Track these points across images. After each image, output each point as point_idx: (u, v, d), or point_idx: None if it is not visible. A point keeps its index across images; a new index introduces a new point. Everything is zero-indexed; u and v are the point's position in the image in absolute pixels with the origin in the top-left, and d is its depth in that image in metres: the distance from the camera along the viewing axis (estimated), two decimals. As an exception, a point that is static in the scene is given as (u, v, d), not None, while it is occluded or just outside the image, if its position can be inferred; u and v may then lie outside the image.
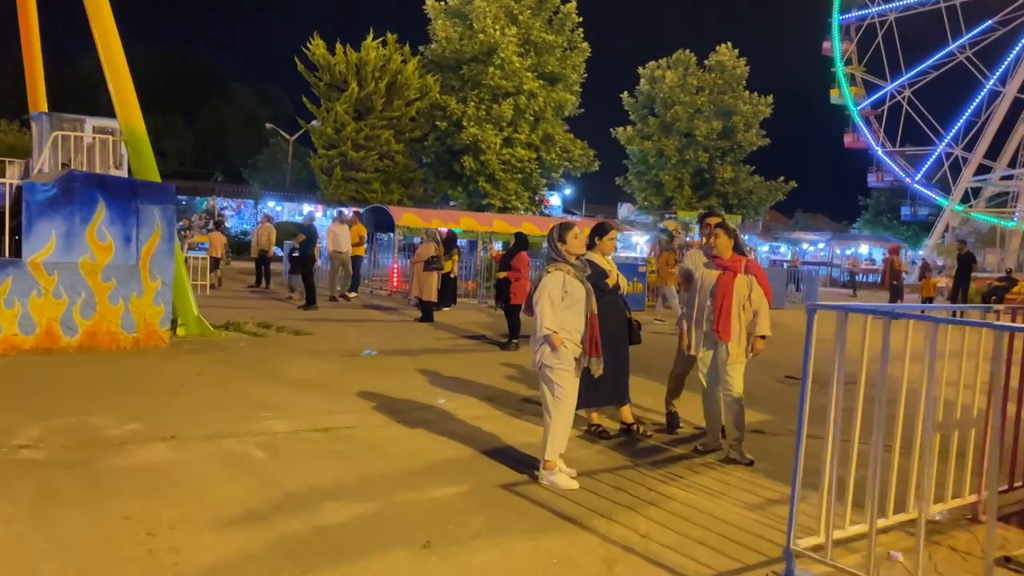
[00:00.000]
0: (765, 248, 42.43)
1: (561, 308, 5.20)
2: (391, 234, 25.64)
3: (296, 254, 18.89)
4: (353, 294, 18.41)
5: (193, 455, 5.46)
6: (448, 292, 15.46)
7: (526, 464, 5.60)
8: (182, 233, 28.20)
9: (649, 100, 37.46)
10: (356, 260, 18.65)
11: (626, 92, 38.04)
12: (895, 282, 20.43)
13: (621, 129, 37.30)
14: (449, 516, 4.51)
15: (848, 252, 51.27)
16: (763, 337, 6.10)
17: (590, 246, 6.38)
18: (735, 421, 6.05)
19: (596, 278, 6.11)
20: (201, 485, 4.85)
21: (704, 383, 6.24)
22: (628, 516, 4.66)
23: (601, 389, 6.25)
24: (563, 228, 5.36)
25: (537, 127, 30.57)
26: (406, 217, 24.41)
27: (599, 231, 6.57)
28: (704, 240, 6.86)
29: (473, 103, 29.52)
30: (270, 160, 53.63)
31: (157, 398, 7.14)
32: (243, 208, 37.71)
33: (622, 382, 6.43)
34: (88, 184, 9.40)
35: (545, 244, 5.49)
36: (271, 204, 40.99)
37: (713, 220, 6.80)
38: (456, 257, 16.50)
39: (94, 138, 13.65)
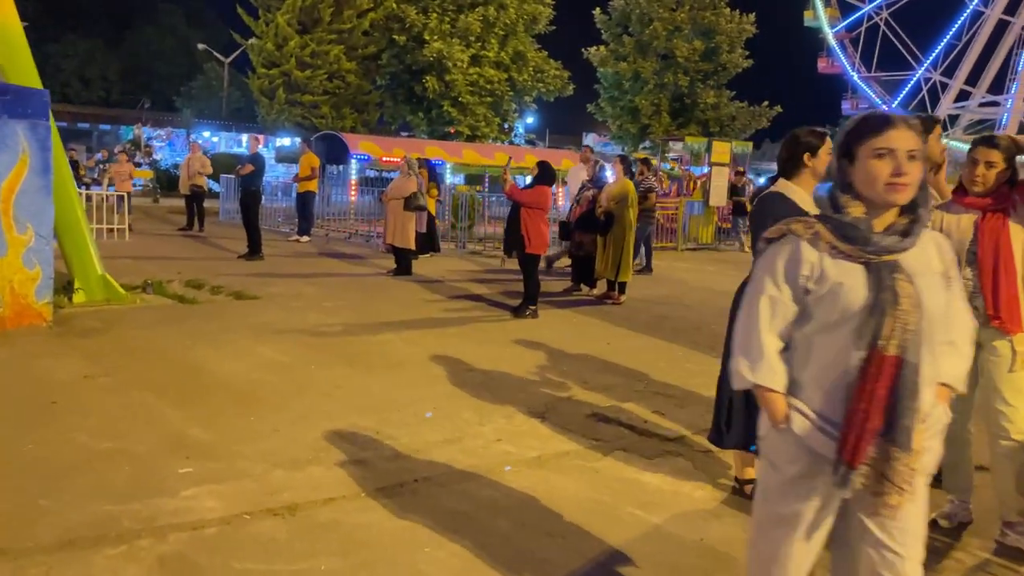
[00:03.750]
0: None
1: (804, 328, 2.20)
2: (343, 166, 22.47)
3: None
4: (306, 238, 15.39)
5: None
6: (428, 236, 12.56)
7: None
8: (102, 166, 24.52)
9: (624, 17, 34.02)
10: (308, 197, 15.57)
11: (598, 8, 34.60)
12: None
13: (594, 49, 33.86)
14: None
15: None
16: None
17: (789, 169, 3.65)
18: (1018, 481, 3.46)
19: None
20: None
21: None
22: None
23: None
24: (801, 143, 2.43)
25: (507, 44, 27.09)
26: (363, 145, 21.23)
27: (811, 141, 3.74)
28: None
29: (436, 14, 25.82)
30: (205, 87, 49.28)
31: (2, 433, 4.25)
32: (174, 138, 33.75)
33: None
34: (-94, 87, 6.21)
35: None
36: (206, 134, 37.06)
37: (933, 123, 4.07)
38: (435, 193, 13.54)
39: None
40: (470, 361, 6.36)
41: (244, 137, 30.54)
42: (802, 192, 3.58)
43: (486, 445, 4.43)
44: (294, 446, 4.29)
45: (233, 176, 15.59)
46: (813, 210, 3.55)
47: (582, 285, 10.44)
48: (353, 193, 19.15)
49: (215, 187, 22.13)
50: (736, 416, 3.62)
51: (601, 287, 10.15)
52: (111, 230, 13.91)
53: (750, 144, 20.92)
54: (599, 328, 8.15)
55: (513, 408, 5.15)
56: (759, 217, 3.53)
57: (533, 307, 8.44)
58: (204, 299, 8.69)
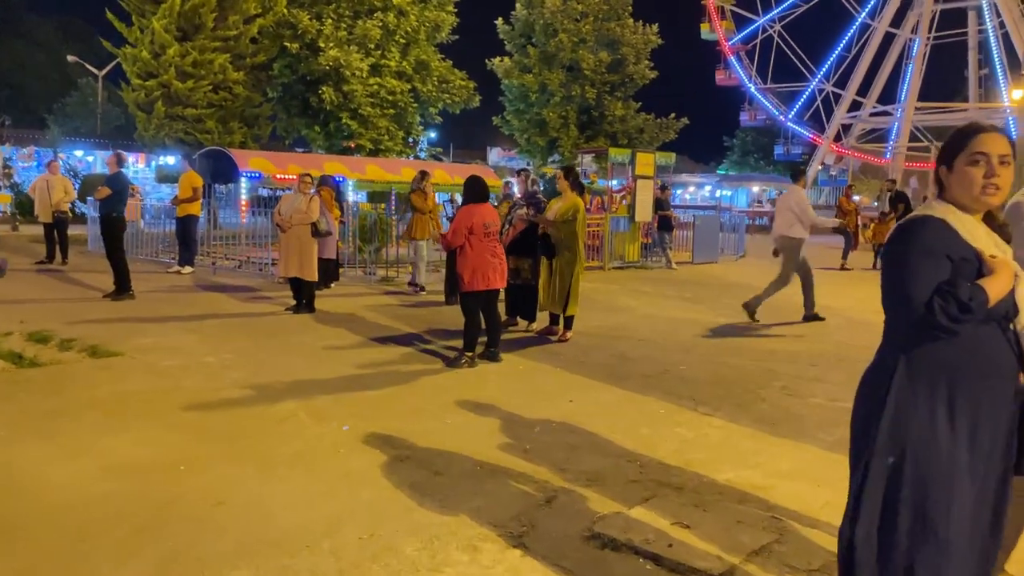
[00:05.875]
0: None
1: None
2: (232, 185, 20.42)
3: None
4: (188, 269, 13.39)
5: None
6: (335, 264, 10.86)
7: None
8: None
9: (527, 28, 32.99)
10: (189, 221, 13.58)
11: (501, 19, 33.44)
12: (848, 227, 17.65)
13: (498, 60, 32.64)
14: None
15: (722, 194, 49.75)
16: None
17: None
18: None
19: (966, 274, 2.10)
20: None
21: None
22: None
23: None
24: None
25: (409, 53, 25.43)
26: (255, 162, 19.21)
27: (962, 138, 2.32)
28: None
29: (331, 20, 23.88)
30: (80, 104, 45.63)
31: None
32: (40, 157, 30.55)
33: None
34: None
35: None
36: (78, 153, 33.87)
37: None
38: (338, 213, 11.82)
39: None
40: (401, 441, 4.79)
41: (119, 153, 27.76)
42: (970, 220, 2.22)
43: (451, 614, 2.88)
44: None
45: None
46: (989, 248, 2.19)
47: (518, 318, 8.99)
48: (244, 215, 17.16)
49: (85, 210, 19.66)
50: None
51: (542, 320, 8.74)
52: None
53: (672, 155, 19.99)
54: (553, 378, 6.70)
55: (475, 528, 3.61)
56: (915, 251, 2.15)
57: (469, 354, 6.92)
58: (48, 359, 6.79)
